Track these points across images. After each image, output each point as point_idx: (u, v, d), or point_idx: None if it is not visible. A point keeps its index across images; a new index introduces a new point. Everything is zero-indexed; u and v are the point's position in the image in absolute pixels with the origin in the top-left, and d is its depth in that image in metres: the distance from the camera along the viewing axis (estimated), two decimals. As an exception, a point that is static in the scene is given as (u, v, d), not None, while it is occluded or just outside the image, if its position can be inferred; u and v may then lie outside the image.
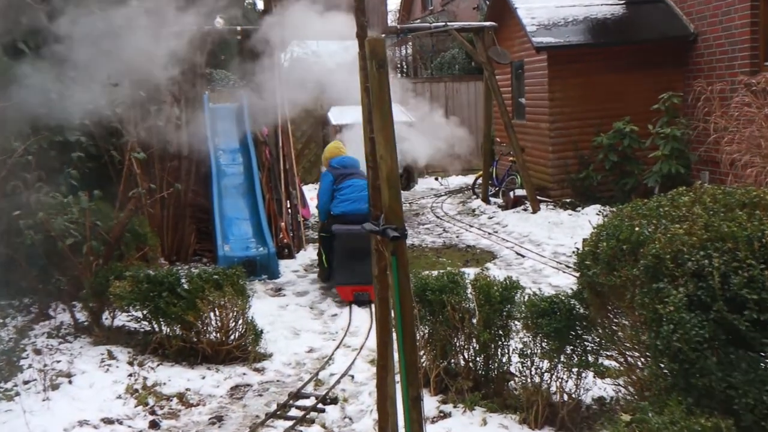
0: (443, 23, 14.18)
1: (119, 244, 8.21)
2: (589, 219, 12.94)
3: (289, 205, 11.88)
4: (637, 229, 4.78)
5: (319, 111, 18.43)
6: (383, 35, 15.49)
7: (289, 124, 12.41)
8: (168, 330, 7.27)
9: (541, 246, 11.74)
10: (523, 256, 11.13)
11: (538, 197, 14.11)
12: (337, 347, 7.57)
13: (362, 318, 8.49)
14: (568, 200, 14.09)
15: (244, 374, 6.92)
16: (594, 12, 14.47)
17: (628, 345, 5.17)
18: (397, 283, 4.30)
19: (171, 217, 10.82)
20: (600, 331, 5.45)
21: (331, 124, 16.73)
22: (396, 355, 4.41)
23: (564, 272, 10.00)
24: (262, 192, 11.48)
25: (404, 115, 18.61)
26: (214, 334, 7.18)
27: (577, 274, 5.49)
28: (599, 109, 14.11)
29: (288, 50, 13.80)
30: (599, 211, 13.12)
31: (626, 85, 14.07)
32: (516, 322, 6.02)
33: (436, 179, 18.89)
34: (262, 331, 7.38)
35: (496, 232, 13.01)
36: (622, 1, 14.70)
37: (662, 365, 4.43)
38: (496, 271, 10.16)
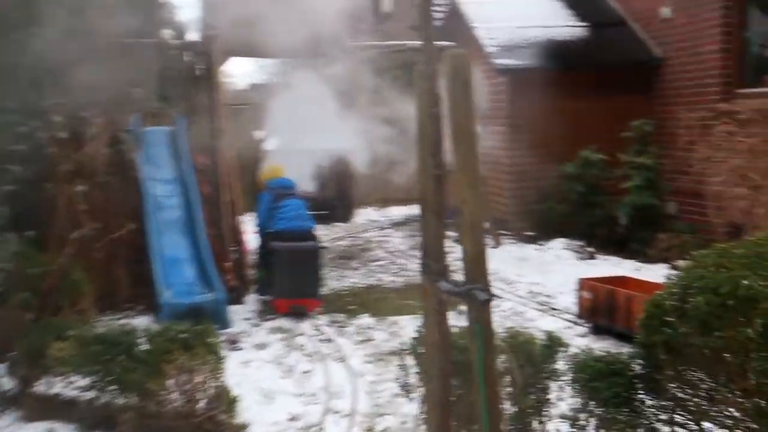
0: (401, 42, 13.53)
1: (54, 295, 7.15)
2: (557, 254, 12.49)
3: (234, 243, 10.94)
4: (745, 282, 4.14)
5: (253, 136, 17.57)
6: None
7: (232, 150, 11.53)
8: (123, 399, 6.25)
9: (514, 285, 11.13)
10: (500, 297, 10.49)
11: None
12: (325, 413, 6.69)
13: (340, 374, 7.65)
14: (529, 234, 13.58)
15: (221, 453, 5.96)
16: (556, 34, 14.13)
17: (714, 412, 4.54)
18: (482, 358, 3.53)
19: (102, 259, 9.71)
20: (671, 396, 4.81)
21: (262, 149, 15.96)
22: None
23: (552, 315, 9.41)
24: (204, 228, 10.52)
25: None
26: (179, 403, 6.20)
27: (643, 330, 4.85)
28: (562, 137, 13.65)
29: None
30: (566, 246, 12.65)
31: (590, 112, 13.72)
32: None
33: (376, 210, 18.23)
34: (236, 398, 6.43)
35: (459, 269, 12.33)
36: (585, 24, 14.41)
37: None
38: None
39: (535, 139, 13.78)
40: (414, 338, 5.86)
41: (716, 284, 4.24)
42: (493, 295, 3.56)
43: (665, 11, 13.31)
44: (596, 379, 4.99)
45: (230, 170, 11.34)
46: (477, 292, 3.44)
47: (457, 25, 15.04)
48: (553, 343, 5.39)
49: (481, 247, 3.54)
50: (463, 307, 4.82)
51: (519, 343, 5.35)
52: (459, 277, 3.95)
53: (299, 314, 9.68)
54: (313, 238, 10.42)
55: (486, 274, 3.54)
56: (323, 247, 11.03)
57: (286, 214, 10.40)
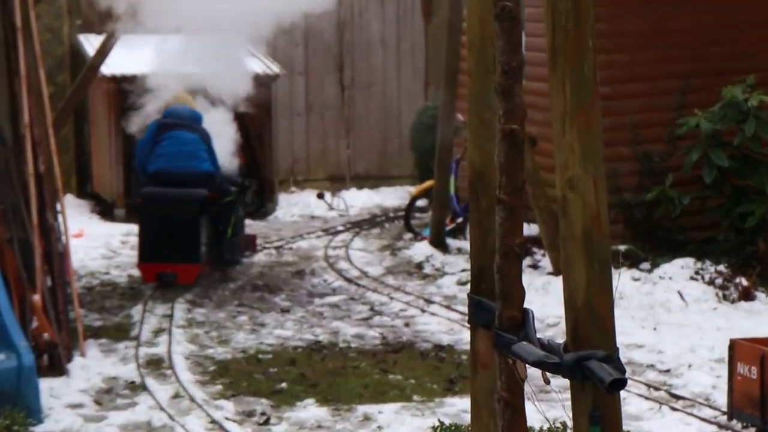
0: None
1: None
2: (678, 287, 12.68)
3: (46, 257, 11.06)
4: None
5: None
6: None
7: (44, 76, 11.68)
8: None
9: (596, 347, 11.32)
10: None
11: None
12: None
13: None
14: (621, 247, 13.73)
15: None
16: None
17: None
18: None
19: None
20: None
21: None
22: None
23: (674, 409, 9.56)
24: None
25: (262, 62, 18.17)
26: None
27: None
28: (685, 61, 13.90)
29: None
30: (695, 273, 12.84)
31: (738, 13, 13.96)
32: None
33: (320, 196, 18.38)
34: None
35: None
36: None
37: None
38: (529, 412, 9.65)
39: (636, 66, 13.96)
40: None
41: None
42: (625, 374, 3.67)
43: None
44: None
45: (41, 116, 11.50)
46: (595, 365, 3.51)
47: None
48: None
49: (605, 280, 3.62)
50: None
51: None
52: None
53: (168, 284, 12.26)
54: (209, 184, 12.78)
55: (612, 333, 3.64)
56: (230, 201, 13.36)
57: (167, 150, 12.65)
